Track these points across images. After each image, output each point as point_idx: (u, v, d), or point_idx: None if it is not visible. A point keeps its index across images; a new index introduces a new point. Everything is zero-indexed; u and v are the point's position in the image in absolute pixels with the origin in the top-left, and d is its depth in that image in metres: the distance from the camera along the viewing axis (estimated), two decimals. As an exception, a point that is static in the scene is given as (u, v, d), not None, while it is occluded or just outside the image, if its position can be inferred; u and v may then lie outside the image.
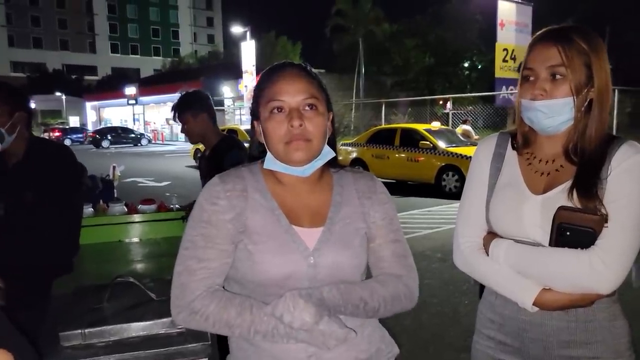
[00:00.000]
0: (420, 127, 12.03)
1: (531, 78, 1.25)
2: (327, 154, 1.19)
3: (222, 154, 2.64)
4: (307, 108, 1.12)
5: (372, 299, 1.13)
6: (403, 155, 11.14)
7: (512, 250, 1.25)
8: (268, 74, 1.17)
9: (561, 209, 1.18)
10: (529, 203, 1.26)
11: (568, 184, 1.22)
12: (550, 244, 1.21)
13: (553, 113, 1.22)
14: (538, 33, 1.27)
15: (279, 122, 1.11)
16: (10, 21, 64.93)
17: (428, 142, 10.78)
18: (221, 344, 1.53)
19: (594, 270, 1.14)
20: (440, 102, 24.53)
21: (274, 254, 1.10)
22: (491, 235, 1.33)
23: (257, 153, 1.23)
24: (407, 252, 1.25)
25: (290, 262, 1.10)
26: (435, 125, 13.21)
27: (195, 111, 2.72)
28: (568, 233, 1.17)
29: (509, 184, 1.32)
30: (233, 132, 17.49)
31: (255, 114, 1.19)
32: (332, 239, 1.14)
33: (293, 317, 1.01)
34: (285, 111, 1.12)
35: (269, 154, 1.17)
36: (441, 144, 10.71)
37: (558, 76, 1.21)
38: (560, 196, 1.22)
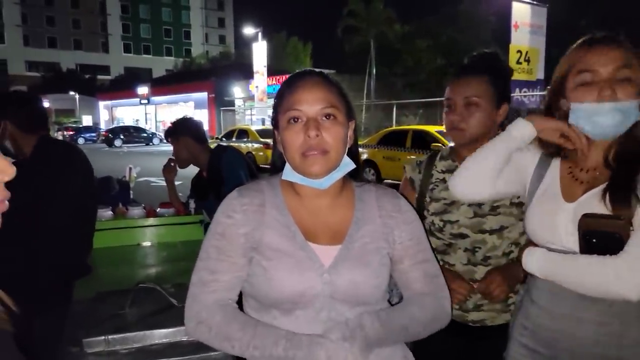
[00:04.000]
0: (432, 128, 11.94)
1: (590, 79, 1.20)
2: (347, 165, 1.15)
3: (218, 159, 2.71)
4: (324, 118, 1.09)
5: (412, 324, 1.12)
6: (414, 157, 11.06)
7: (545, 258, 1.25)
8: (288, 82, 1.15)
9: (584, 216, 1.17)
10: (562, 211, 1.25)
11: (600, 188, 1.21)
12: (581, 252, 1.20)
13: (623, 116, 1.18)
14: (591, 36, 1.24)
15: (296, 132, 1.09)
16: (25, 21, 65.77)
17: (440, 144, 10.72)
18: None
19: (620, 276, 1.12)
20: (452, 104, 24.36)
21: (287, 270, 1.08)
22: (527, 245, 1.34)
23: (280, 163, 1.19)
24: (438, 271, 1.22)
25: (304, 279, 1.07)
26: (448, 127, 13.11)
27: (176, 136, 2.80)
28: (594, 240, 1.16)
29: (547, 191, 1.31)
30: (243, 132, 17.56)
31: (275, 123, 1.17)
32: (350, 257, 1.11)
33: None
34: (302, 121, 1.09)
35: (287, 165, 1.15)
36: (454, 146, 10.65)
37: (623, 78, 1.18)
38: (590, 201, 1.21)
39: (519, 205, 1.56)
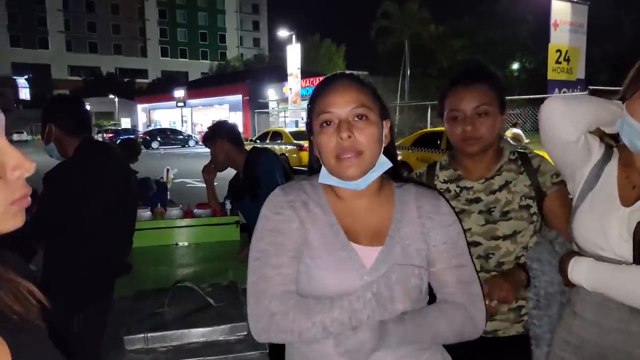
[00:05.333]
0: (468, 130, 11.74)
1: None
2: (383, 164, 1.14)
3: (256, 160, 2.73)
4: (356, 118, 1.08)
5: (438, 335, 1.09)
6: (450, 159, 10.90)
7: (593, 269, 1.18)
8: (319, 87, 1.15)
9: None
10: (617, 215, 1.18)
11: None
12: (635, 262, 1.13)
13: None
14: None
15: (329, 135, 1.09)
16: (68, 27, 68.38)
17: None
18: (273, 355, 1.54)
19: None
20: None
21: (329, 270, 1.08)
22: (572, 253, 1.26)
23: (317, 167, 1.19)
24: (473, 278, 1.17)
25: (345, 279, 1.07)
26: (484, 128, 12.85)
27: (214, 139, 2.84)
28: None
29: (602, 192, 1.25)
30: (277, 134, 17.70)
31: (309, 127, 1.17)
32: (391, 260, 1.10)
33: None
34: (334, 123, 1.09)
35: (323, 168, 1.15)
36: (490, 148, 10.43)
37: None
38: None
39: (527, 208, 1.53)
